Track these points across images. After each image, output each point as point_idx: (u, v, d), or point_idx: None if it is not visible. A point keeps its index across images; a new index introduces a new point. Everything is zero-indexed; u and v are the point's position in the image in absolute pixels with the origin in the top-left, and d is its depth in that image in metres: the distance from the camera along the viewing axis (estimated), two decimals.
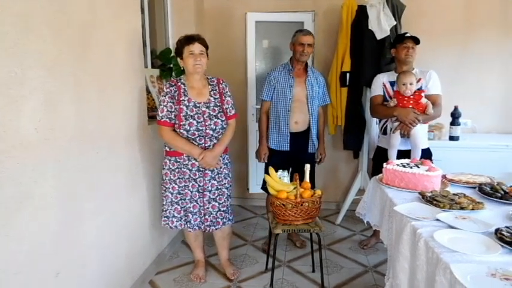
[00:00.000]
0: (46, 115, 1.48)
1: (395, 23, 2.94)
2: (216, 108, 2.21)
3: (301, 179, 2.25)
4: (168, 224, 2.31)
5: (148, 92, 2.58)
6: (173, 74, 2.96)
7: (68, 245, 1.64)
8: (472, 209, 1.58)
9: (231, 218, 2.39)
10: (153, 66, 2.91)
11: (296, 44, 2.66)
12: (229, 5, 3.58)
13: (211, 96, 2.23)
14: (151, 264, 2.50)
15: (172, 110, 2.15)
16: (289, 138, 2.72)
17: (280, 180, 2.30)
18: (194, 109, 2.16)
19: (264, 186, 2.82)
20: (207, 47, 2.19)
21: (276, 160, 2.67)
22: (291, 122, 2.71)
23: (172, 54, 2.99)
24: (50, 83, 1.50)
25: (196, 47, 2.11)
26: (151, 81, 2.73)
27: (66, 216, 1.62)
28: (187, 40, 2.12)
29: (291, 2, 3.49)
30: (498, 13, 3.22)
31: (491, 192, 1.77)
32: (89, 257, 1.81)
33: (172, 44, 3.21)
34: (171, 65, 2.93)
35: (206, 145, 2.19)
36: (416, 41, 2.47)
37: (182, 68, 2.26)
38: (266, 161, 2.78)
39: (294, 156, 2.74)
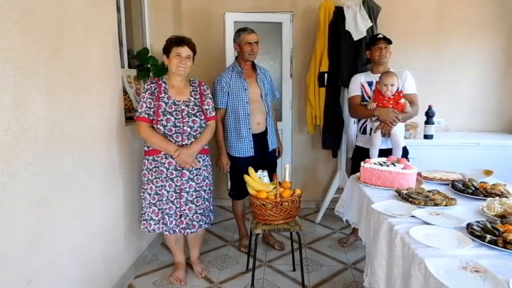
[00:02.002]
0: (16, 116, 1.42)
1: (371, 24, 3.01)
2: (196, 108, 2.23)
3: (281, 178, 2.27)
4: (146, 227, 2.27)
5: (125, 92, 2.53)
6: (151, 74, 2.91)
7: (41, 251, 1.58)
8: (446, 205, 1.63)
9: (207, 221, 2.38)
10: (130, 67, 2.85)
11: (242, 44, 2.57)
12: (207, 5, 3.56)
13: (192, 96, 2.25)
14: (129, 268, 2.45)
15: (152, 106, 2.16)
16: (252, 142, 2.66)
17: (260, 180, 2.30)
18: (173, 106, 2.17)
19: (231, 192, 2.81)
20: (194, 52, 2.23)
21: (240, 165, 2.57)
22: (253, 123, 2.65)
23: (150, 54, 2.94)
24: (20, 83, 1.44)
25: (185, 50, 2.15)
26: (129, 82, 2.68)
27: (38, 221, 1.56)
28: (177, 41, 2.15)
29: (269, 3, 3.50)
30: (467, 17, 3.35)
31: (463, 188, 1.83)
32: (63, 263, 1.75)
33: (149, 44, 3.16)
34: (149, 65, 2.89)
35: (183, 143, 2.19)
36: (388, 41, 2.53)
37: (166, 66, 2.26)
38: (229, 170, 2.71)
39: (257, 157, 2.67)
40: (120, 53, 2.47)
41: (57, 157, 1.67)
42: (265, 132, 2.73)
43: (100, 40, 2.06)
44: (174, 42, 2.16)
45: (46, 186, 1.60)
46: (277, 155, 2.91)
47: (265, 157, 2.72)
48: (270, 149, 2.77)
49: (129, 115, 2.54)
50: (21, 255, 1.47)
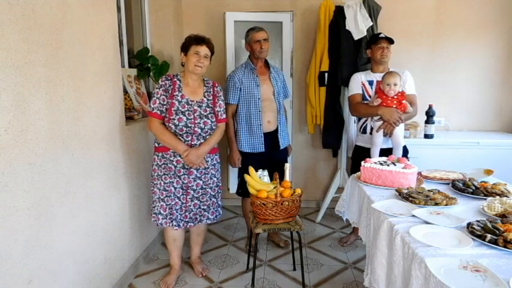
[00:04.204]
0: (16, 116, 1.42)
1: (371, 23, 3.00)
2: (208, 109, 2.24)
3: (281, 178, 2.26)
4: (155, 221, 2.29)
5: (125, 92, 2.53)
6: (151, 73, 2.91)
7: (41, 251, 1.59)
8: (446, 205, 1.64)
9: (211, 216, 2.39)
10: (130, 66, 2.85)
11: (252, 43, 2.63)
12: (207, 5, 3.55)
13: (205, 97, 2.26)
14: (130, 268, 2.45)
15: (165, 103, 2.17)
16: (263, 138, 2.68)
17: (260, 180, 2.30)
18: (186, 106, 2.18)
19: (239, 190, 2.82)
20: (212, 52, 2.25)
21: (250, 163, 2.57)
22: (264, 121, 2.68)
23: (150, 53, 2.94)
24: (20, 83, 1.44)
25: (203, 49, 2.17)
26: (129, 81, 2.67)
27: (38, 221, 1.57)
28: (196, 40, 2.17)
29: (269, 2, 3.50)
30: (467, 16, 3.34)
31: (464, 188, 1.83)
32: (64, 263, 1.76)
33: (149, 44, 3.16)
34: (149, 65, 2.89)
35: (193, 143, 2.21)
36: (390, 41, 2.53)
37: (182, 63, 2.26)
38: (240, 166, 2.73)
39: (268, 156, 2.71)
40: (121, 52, 2.46)
41: (57, 157, 1.68)
42: (276, 131, 2.75)
43: (100, 40, 2.06)
44: (193, 40, 2.17)
45: (47, 186, 1.61)
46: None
47: (276, 155, 2.71)
48: (281, 147, 2.77)
49: (129, 115, 2.55)
50: (21, 254, 1.47)
